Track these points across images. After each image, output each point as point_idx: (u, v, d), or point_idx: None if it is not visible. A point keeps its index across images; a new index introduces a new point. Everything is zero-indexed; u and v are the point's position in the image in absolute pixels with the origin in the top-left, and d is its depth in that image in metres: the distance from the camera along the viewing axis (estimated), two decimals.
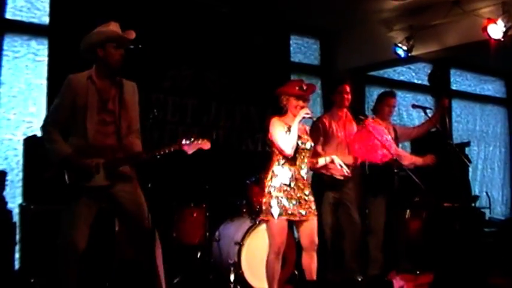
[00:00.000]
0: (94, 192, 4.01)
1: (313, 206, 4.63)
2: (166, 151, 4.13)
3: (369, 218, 6.18)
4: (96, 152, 4.01)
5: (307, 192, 4.60)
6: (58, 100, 4.07)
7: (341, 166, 4.76)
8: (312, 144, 4.72)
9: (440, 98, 6.42)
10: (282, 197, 4.51)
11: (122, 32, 4.12)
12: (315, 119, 4.75)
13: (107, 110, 4.09)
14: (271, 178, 4.61)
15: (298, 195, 4.54)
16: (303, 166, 4.62)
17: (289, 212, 4.50)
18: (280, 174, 4.57)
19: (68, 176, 3.95)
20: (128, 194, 4.12)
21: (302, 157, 4.62)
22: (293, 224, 4.73)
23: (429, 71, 8.68)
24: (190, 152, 4.21)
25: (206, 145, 4.29)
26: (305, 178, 4.62)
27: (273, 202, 4.51)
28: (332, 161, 4.81)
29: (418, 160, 6.06)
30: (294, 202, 4.52)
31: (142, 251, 4.17)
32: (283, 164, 4.58)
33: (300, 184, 4.57)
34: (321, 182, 4.95)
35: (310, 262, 4.68)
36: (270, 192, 4.57)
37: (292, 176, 4.55)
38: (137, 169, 4.26)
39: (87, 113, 4.00)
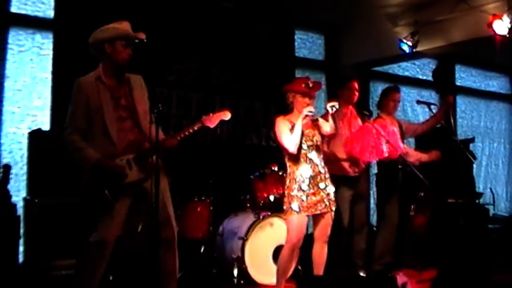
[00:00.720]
0: (130, 189, 4.03)
1: (333, 197, 4.70)
2: (190, 131, 4.17)
3: (383, 215, 6.18)
4: (123, 150, 4.02)
5: (325, 185, 4.65)
6: (72, 106, 4.03)
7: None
8: (319, 138, 4.72)
9: (445, 94, 6.39)
10: (301, 195, 4.56)
11: (133, 32, 4.10)
12: (316, 118, 4.72)
13: (121, 106, 4.09)
14: (290, 181, 4.65)
15: (318, 190, 4.60)
16: (317, 161, 4.64)
17: (310, 207, 4.56)
18: (298, 175, 4.61)
19: (104, 179, 3.92)
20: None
21: (313, 153, 4.64)
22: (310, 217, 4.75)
23: (434, 67, 8.64)
24: (213, 125, 4.28)
25: (226, 115, 4.34)
26: (322, 172, 4.66)
27: (294, 200, 4.56)
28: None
29: (424, 156, 6.06)
30: (314, 198, 4.57)
31: (166, 242, 4.13)
32: (298, 163, 4.62)
33: (318, 180, 4.62)
34: (335, 180, 4.95)
35: (320, 254, 4.75)
36: (289, 193, 4.62)
37: (309, 174, 4.60)
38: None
39: (104, 113, 3.98)
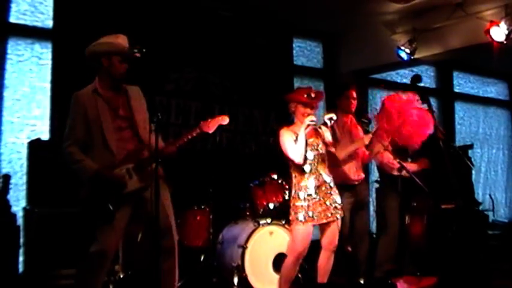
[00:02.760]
0: (131, 198, 4.02)
1: (339, 205, 4.69)
2: (189, 137, 4.17)
3: (385, 223, 6.17)
4: (123, 160, 4.02)
5: (331, 193, 4.66)
6: (71, 120, 4.05)
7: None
8: (323, 147, 4.72)
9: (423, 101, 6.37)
10: (307, 205, 4.56)
11: (130, 45, 4.11)
12: (317, 126, 4.72)
13: (119, 116, 4.09)
14: (296, 192, 4.66)
15: (323, 200, 4.60)
16: (322, 171, 4.65)
17: (315, 217, 4.56)
18: (303, 186, 4.61)
19: (104, 190, 3.92)
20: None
21: (318, 162, 4.65)
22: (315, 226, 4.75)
23: (433, 74, 8.66)
24: (211, 130, 4.28)
25: (225, 120, 4.35)
26: (328, 182, 4.67)
27: (299, 211, 4.57)
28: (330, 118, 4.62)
29: (413, 166, 6.01)
30: (319, 208, 4.58)
31: (167, 252, 4.12)
32: (303, 174, 4.62)
33: (323, 188, 4.62)
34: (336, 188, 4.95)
35: (327, 263, 4.75)
36: (295, 204, 4.63)
37: (315, 184, 4.60)
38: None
39: (102, 124, 3.99)
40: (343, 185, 5.62)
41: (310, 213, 4.54)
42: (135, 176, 4.03)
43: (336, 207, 4.65)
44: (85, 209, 4.09)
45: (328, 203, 4.61)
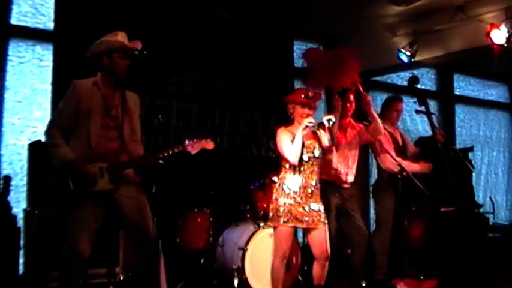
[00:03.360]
0: (99, 197, 4.00)
1: (323, 215, 4.62)
2: (170, 152, 4.15)
3: (377, 222, 6.18)
4: (99, 157, 4.01)
5: (315, 200, 4.60)
6: (62, 105, 4.08)
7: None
8: (321, 152, 4.71)
9: (422, 103, 6.39)
10: (289, 204, 4.52)
11: (129, 41, 4.13)
12: (316, 128, 4.70)
13: (110, 116, 4.09)
14: (280, 185, 4.64)
15: (306, 202, 4.55)
16: (312, 174, 4.63)
17: (297, 218, 4.51)
18: (288, 182, 4.58)
19: (72, 181, 3.93)
20: (130, 199, 4.09)
21: (311, 165, 4.63)
22: (300, 231, 4.73)
23: (433, 77, 8.67)
24: (194, 152, 4.24)
25: (209, 145, 4.33)
26: (314, 186, 4.62)
27: (281, 208, 4.53)
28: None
29: (415, 167, 6.01)
30: (301, 209, 4.53)
31: (144, 259, 4.16)
32: (291, 172, 4.60)
33: (309, 191, 4.58)
34: (323, 189, 4.93)
35: (322, 271, 4.68)
36: (277, 199, 4.60)
37: (300, 183, 4.56)
38: (141, 174, 4.25)
39: (91, 117, 4.00)
40: (333, 184, 5.60)
41: (292, 214, 4.49)
42: (106, 176, 4.01)
43: (319, 215, 4.59)
44: (52, 194, 4.09)
45: (309, 208, 4.54)
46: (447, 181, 6.27)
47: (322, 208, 4.64)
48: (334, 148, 5.47)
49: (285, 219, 4.50)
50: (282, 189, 4.60)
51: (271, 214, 4.64)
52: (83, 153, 3.98)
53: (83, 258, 3.97)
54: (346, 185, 5.69)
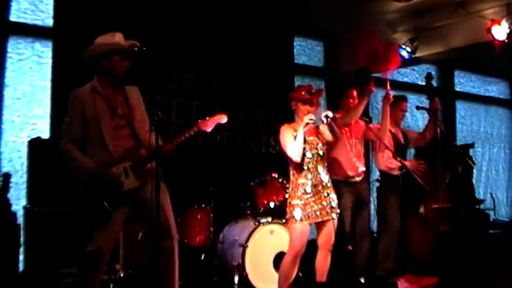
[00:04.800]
0: (127, 197, 4.01)
1: (335, 204, 4.68)
2: (187, 135, 4.15)
3: (385, 222, 6.18)
4: (120, 158, 4.01)
5: (327, 194, 4.64)
6: (68, 117, 4.05)
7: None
8: (324, 150, 4.72)
9: (431, 99, 6.40)
10: (303, 204, 4.57)
11: (126, 40, 4.10)
12: (317, 125, 4.72)
13: (118, 115, 4.08)
14: (293, 189, 4.67)
15: (319, 199, 4.59)
16: (320, 170, 4.64)
17: (311, 216, 4.56)
18: (301, 185, 4.61)
19: (100, 189, 3.91)
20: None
21: (316, 161, 4.65)
22: (312, 225, 4.74)
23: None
24: (209, 129, 4.26)
25: (223, 118, 4.33)
26: (325, 182, 4.65)
27: (295, 209, 4.57)
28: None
29: (406, 164, 6.00)
30: (315, 206, 4.57)
31: (166, 255, 4.11)
32: (299, 174, 4.62)
33: (320, 188, 4.61)
34: (337, 186, 4.95)
35: (324, 262, 4.74)
36: (291, 202, 4.65)
37: (311, 183, 4.59)
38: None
39: (100, 122, 3.99)
40: (345, 182, 5.65)
41: (306, 212, 4.54)
42: (131, 174, 4.02)
43: (332, 206, 4.64)
44: (82, 207, 4.08)
45: (324, 202, 4.60)
46: (443, 179, 6.30)
47: (335, 197, 4.70)
48: (340, 144, 5.54)
49: (299, 216, 4.55)
50: (295, 193, 4.63)
51: (287, 216, 4.69)
52: (103, 159, 3.97)
53: (106, 260, 4.03)
54: (358, 178, 5.74)
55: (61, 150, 4.00)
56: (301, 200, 4.57)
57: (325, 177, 4.66)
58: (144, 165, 4.05)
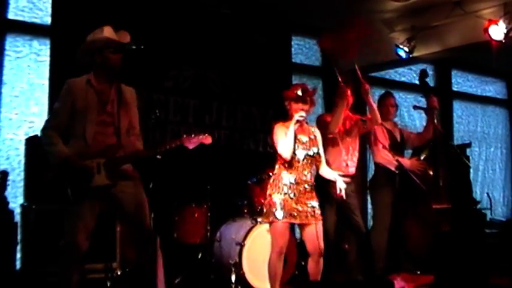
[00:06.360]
0: (96, 193, 3.99)
1: (318, 211, 4.63)
2: (168, 147, 4.14)
3: (374, 218, 6.18)
4: (96, 153, 4.00)
5: (310, 196, 4.61)
6: (58, 104, 4.08)
7: (340, 190, 4.67)
8: (317, 151, 4.72)
9: (428, 97, 6.39)
10: (283, 200, 4.53)
11: (116, 32, 4.11)
12: (306, 122, 4.71)
13: (106, 111, 4.09)
14: (274, 181, 4.65)
15: (300, 199, 4.56)
16: (306, 172, 4.63)
17: (292, 214, 4.51)
18: (283, 178, 4.59)
19: (69, 177, 3.93)
20: (129, 194, 4.09)
21: (306, 163, 4.63)
22: (297, 227, 4.72)
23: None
24: (191, 147, 4.21)
25: (208, 139, 4.29)
26: (309, 183, 4.63)
27: (275, 204, 4.53)
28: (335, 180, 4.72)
29: (406, 163, 6.00)
30: (294, 205, 4.53)
31: (143, 253, 4.15)
32: (286, 169, 4.60)
33: (302, 188, 4.58)
34: (323, 184, 4.93)
35: (316, 267, 4.67)
36: (271, 195, 4.60)
37: (295, 179, 4.57)
38: (139, 169, 4.25)
39: (87, 114, 4.00)
40: (332, 183, 5.59)
41: (286, 211, 4.49)
42: (103, 172, 4.00)
43: (314, 211, 4.59)
44: (49, 191, 4.09)
45: (303, 204, 4.55)
46: (440, 179, 6.30)
47: (316, 204, 4.64)
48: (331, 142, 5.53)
49: (280, 215, 4.50)
50: (276, 185, 4.60)
51: (265, 210, 4.64)
52: (80, 150, 3.98)
53: (80, 253, 3.97)
54: (347, 178, 5.68)
55: (42, 134, 4.05)
56: (281, 194, 4.53)
57: (309, 179, 4.63)
58: (119, 166, 4.06)
